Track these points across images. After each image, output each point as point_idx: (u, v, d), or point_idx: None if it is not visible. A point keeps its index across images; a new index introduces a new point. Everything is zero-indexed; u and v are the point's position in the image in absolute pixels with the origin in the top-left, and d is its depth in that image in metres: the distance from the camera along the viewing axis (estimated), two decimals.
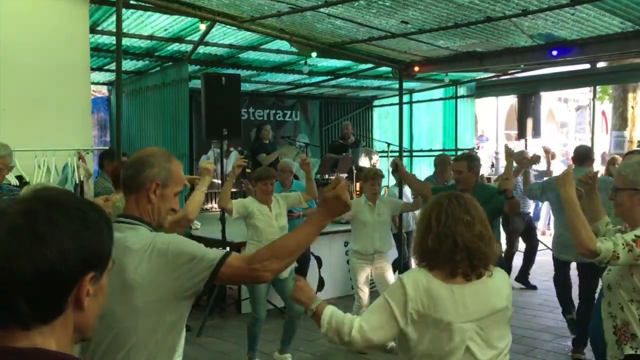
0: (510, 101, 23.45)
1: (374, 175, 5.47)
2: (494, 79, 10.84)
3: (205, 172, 3.55)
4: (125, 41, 7.15)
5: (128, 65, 8.53)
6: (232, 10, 6.54)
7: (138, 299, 1.80)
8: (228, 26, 6.99)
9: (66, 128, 5.64)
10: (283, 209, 5.00)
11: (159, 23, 7.05)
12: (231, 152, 10.57)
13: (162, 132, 8.46)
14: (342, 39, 7.25)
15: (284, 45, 8.06)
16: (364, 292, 5.46)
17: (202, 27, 6.81)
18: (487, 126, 22.36)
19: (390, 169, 7.21)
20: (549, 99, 22.53)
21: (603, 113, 27.43)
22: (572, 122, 26.49)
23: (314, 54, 7.58)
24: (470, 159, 4.59)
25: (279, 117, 12.04)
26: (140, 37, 7.40)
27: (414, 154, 12.04)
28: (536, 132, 10.45)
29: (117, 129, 5.94)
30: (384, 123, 13.02)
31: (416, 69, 7.97)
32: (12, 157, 4.06)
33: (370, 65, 9.17)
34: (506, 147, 5.66)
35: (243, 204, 4.93)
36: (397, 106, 12.16)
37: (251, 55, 8.57)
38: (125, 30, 6.45)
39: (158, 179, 1.95)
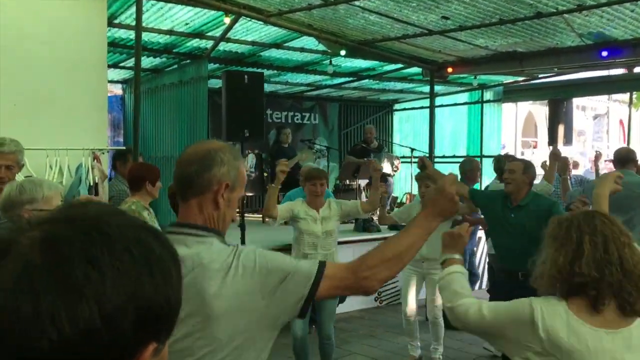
0: (527, 107, 22.96)
1: (421, 177, 5.11)
2: (522, 83, 10.35)
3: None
4: (143, 36, 6.71)
5: (144, 62, 8.11)
6: (258, 3, 6.13)
7: (221, 332, 1.43)
8: (253, 20, 6.57)
9: (80, 126, 5.23)
10: (334, 213, 4.63)
11: (180, 17, 6.65)
12: (247, 155, 10.16)
13: (178, 132, 8.05)
14: (373, 36, 6.82)
15: (308, 43, 7.66)
16: (408, 304, 5.08)
17: (227, 20, 6.39)
18: (503, 133, 21.85)
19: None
20: None
21: (621, 122, 26.92)
22: (590, 131, 26.04)
23: (342, 52, 7.15)
24: (527, 162, 4.36)
25: (297, 119, 11.62)
26: (160, 31, 7.00)
27: (436, 159, 11.56)
28: (567, 140, 9.99)
29: (135, 129, 5.56)
30: (404, 127, 12.59)
31: (449, 69, 7.51)
32: (23, 154, 3.64)
33: (396, 67, 8.73)
34: (554, 148, 5.16)
35: (289, 207, 4.64)
36: (419, 110, 11.96)
37: (273, 53, 8.16)
38: (143, 24, 6.05)
39: (228, 180, 1.58)
